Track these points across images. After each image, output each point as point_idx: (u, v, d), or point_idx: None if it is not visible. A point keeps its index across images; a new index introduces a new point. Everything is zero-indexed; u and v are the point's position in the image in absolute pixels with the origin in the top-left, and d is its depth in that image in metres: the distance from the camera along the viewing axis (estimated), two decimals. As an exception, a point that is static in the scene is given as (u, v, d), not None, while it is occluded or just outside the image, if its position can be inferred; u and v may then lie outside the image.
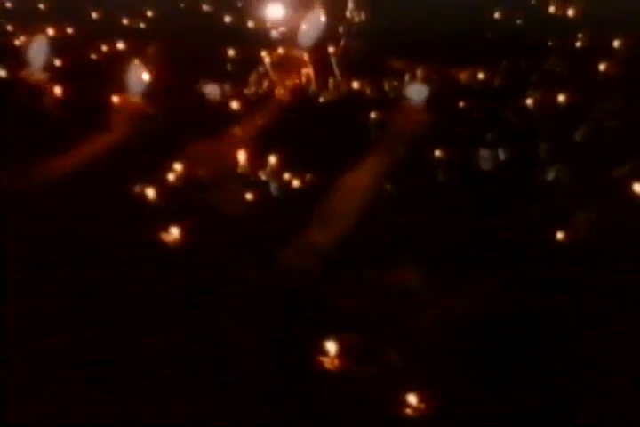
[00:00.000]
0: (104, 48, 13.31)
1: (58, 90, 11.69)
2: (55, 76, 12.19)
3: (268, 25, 14.06)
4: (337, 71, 12.36)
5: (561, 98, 11.36)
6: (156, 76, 12.41)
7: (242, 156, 10.02)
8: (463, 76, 12.36)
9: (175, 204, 9.20)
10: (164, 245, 8.43)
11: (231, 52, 13.16)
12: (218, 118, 11.31)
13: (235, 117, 11.37)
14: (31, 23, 13.98)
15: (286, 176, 9.66)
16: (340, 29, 13.10)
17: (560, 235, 8.48)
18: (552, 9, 14.87)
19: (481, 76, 12.25)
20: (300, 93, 12.15)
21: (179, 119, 11.16)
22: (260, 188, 9.53)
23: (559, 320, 7.28)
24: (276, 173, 9.74)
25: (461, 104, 11.48)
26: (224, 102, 11.77)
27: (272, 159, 9.89)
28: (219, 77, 12.35)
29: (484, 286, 7.62)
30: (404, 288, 7.65)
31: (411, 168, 9.95)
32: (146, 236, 8.49)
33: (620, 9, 14.14)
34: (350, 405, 6.31)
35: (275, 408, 6.32)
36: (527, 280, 7.80)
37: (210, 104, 11.82)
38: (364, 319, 7.16)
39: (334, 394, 6.41)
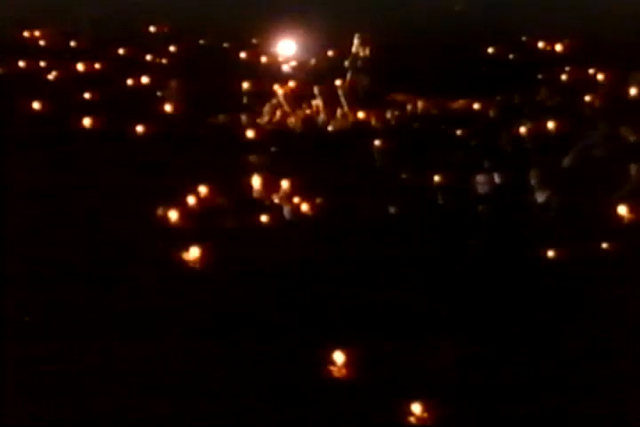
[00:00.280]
0: (129, 82, 13.48)
1: (87, 120, 11.85)
2: (85, 107, 12.41)
3: (281, 60, 14.32)
4: (344, 103, 12.52)
5: (551, 127, 11.47)
6: (177, 108, 12.64)
7: (256, 181, 10.06)
8: (460, 107, 12.53)
9: (194, 226, 9.22)
10: (184, 265, 8.39)
11: (246, 85, 13.28)
12: (234, 146, 11.44)
13: (249, 145, 11.50)
14: (63, 59, 14.25)
15: (296, 200, 9.72)
16: (347, 64, 13.26)
17: (550, 253, 8.48)
18: (541, 45, 15.04)
19: (477, 106, 12.41)
20: (310, 123, 12.32)
21: (198, 147, 11.33)
22: (274, 211, 9.59)
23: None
24: (288, 197, 9.81)
25: (459, 133, 11.62)
26: (240, 131, 11.87)
27: (284, 184, 9.96)
28: (235, 108, 12.53)
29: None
30: (407, 303, 7.62)
31: (412, 192, 10.03)
32: (166, 256, 8.42)
33: (604, 45, 14.31)
34: (352, 414, 6.08)
35: (276, 417, 6.07)
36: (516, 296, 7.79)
37: (227, 133, 11.96)
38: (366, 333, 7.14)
39: (337, 403, 6.19)
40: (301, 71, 13.85)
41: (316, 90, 12.50)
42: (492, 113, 12.23)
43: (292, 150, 11.18)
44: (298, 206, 9.65)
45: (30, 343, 6.89)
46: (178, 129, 11.86)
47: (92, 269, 8.25)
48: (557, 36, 14.91)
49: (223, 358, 6.80)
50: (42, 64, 13.95)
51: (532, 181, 10.09)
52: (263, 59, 14.25)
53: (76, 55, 14.45)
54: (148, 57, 14.52)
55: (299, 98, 12.60)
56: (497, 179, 10.18)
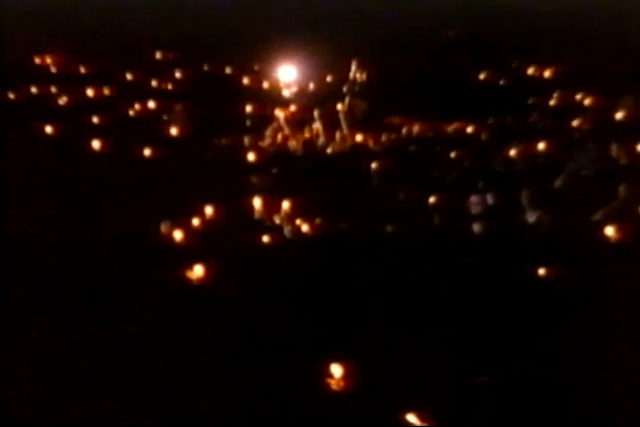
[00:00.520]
0: (137, 106, 13.50)
1: (96, 144, 11.84)
2: (94, 131, 12.40)
3: (282, 85, 14.32)
4: (343, 126, 12.52)
5: (541, 149, 11.47)
6: (183, 131, 12.63)
7: (257, 202, 10.01)
8: (454, 130, 12.52)
9: (198, 245, 9.14)
10: (188, 285, 8.31)
11: (248, 109, 13.27)
12: (236, 168, 11.42)
13: (251, 167, 11.44)
14: (73, 84, 14.26)
15: (298, 221, 9.67)
16: (345, 89, 13.27)
17: (541, 272, 8.43)
18: (531, 71, 15.07)
19: (470, 130, 12.40)
20: (310, 146, 12.31)
21: (202, 169, 11.31)
22: (275, 231, 9.55)
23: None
24: (289, 217, 9.78)
25: (453, 155, 11.60)
26: (242, 154, 11.81)
27: (285, 205, 9.90)
28: (238, 131, 12.52)
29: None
30: (404, 318, 7.60)
31: (408, 212, 10.05)
32: (169, 275, 8.36)
33: (592, 70, 14.35)
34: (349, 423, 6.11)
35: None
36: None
37: (229, 155, 11.94)
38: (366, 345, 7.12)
39: (335, 414, 6.21)
40: (302, 96, 13.85)
41: (315, 114, 12.52)
42: (484, 136, 12.25)
43: (293, 172, 11.11)
44: (298, 226, 9.60)
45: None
46: (183, 151, 11.85)
47: (94, 286, 8.16)
48: (547, 62, 14.96)
49: (222, 372, 6.77)
50: (53, 90, 13.86)
51: (524, 201, 10.09)
52: (265, 84, 14.22)
53: (85, 80, 14.44)
54: (154, 82, 14.44)
55: (299, 121, 12.61)
56: (490, 199, 10.18)
